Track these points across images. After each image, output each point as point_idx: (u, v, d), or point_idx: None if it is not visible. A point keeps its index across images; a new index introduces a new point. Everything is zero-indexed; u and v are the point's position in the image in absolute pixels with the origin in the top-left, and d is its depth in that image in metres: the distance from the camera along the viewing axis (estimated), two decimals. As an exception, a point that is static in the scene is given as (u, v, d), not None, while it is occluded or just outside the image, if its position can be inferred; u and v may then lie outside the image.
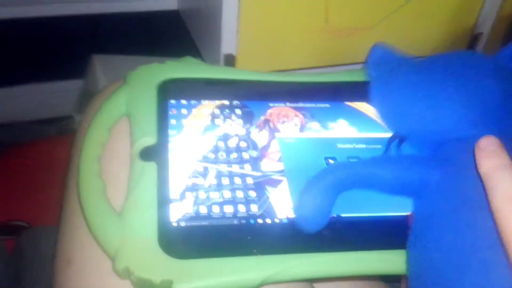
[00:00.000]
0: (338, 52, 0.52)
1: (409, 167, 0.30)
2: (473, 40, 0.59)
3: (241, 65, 0.49)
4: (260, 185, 0.35)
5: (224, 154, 0.36)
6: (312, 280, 0.37)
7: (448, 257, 0.25)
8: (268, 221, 0.32)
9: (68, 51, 0.91)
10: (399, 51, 0.36)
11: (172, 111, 0.38)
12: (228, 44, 0.46)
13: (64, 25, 0.85)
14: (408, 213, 0.31)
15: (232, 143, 0.37)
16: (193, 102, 0.39)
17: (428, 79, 0.32)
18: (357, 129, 0.39)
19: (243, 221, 0.32)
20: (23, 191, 0.66)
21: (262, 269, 0.30)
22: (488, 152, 0.24)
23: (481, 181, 0.25)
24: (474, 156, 0.25)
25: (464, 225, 0.25)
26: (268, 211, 0.33)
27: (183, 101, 0.39)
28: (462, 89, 0.30)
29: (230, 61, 0.49)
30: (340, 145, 0.38)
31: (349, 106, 0.41)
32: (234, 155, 0.36)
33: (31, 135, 0.98)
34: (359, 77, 0.41)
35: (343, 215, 0.32)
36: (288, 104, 0.41)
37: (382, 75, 0.35)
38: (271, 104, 0.40)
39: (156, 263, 0.29)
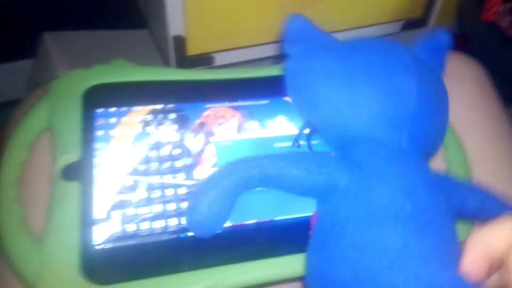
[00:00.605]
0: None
1: (317, 169, 0.27)
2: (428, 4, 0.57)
3: (192, 47, 0.47)
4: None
5: (156, 165, 0.34)
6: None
7: (353, 274, 0.23)
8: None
9: (17, 30, 0.86)
10: (317, 26, 0.33)
11: (99, 122, 0.36)
12: (175, 25, 0.44)
13: (12, 3, 0.80)
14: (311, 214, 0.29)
15: (165, 151, 0.35)
16: (122, 109, 0.37)
17: (346, 70, 0.29)
18: (296, 124, 0.37)
19: (173, 236, 0.31)
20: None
21: (193, 285, 0.29)
22: None
23: (391, 192, 0.25)
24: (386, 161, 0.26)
25: (372, 242, 0.24)
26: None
27: (112, 109, 0.37)
28: (380, 87, 0.28)
29: (180, 43, 0.46)
30: (277, 144, 0.36)
31: (288, 102, 0.39)
32: (166, 165, 0.34)
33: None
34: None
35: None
36: (225, 103, 0.39)
37: (298, 54, 0.32)
38: (207, 106, 0.39)
39: (77, 292, 0.27)
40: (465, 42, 0.92)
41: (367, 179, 0.27)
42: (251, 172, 0.26)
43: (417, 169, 0.28)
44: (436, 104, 0.30)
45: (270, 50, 0.50)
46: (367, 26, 0.54)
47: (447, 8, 0.60)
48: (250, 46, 0.50)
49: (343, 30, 0.53)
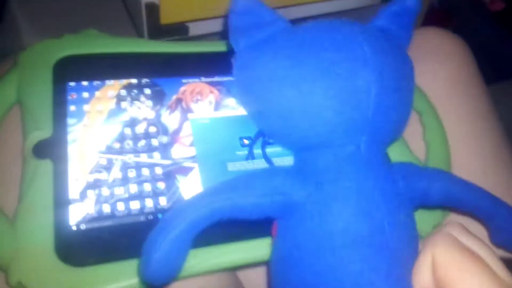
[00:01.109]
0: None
1: (271, 192, 0.26)
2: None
3: (166, 15, 0.45)
4: (170, 175, 0.33)
5: (131, 143, 0.34)
6: (234, 269, 0.37)
7: None
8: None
9: None
10: (266, 7, 0.28)
11: (71, 96, 0.34)
12: None
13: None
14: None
15: (140, 129, 0.35)
16: (96, 83, 0.36)
17: (297, 74, 0.26)
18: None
19: (150, 217, 0.31)
20: None
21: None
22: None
23: (347, 214, 0.24)
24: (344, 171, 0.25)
25: (328, 269, 0.24)
26: (177, 203, 0.32)
27: (84, 83, 0.35)
28: (334, 91, 0.26)
29: (153, 11, 0.45)
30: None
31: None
32: (142, 143, 0.34)
33: None
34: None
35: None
36: (203, 79, 0.38)
37: (245, 52, 0.28)
38: (184, 81, 0.38)
39: (53, 274, 0.27)
40: (447, 16, 0.92)
41: (324, 200, 0.26)
42: (202, 213, 0.24)
43: (376, 179, 0.26)
44: (398, 90, 0.27)
45: None
46: None
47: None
48: (224, 17, 0.49)
49: (322, 1, 0.52)
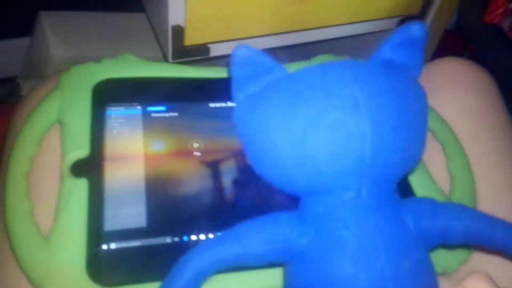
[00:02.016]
0: (297, 16, 0.50)
1: (273, 238, 0.26)
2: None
3: (190, 37, 0.47)
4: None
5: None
6: None
7: None
8: (203, 237, 0.32)
9: (15, 7, 0.85)
10: (265, 56, 0.28)
11: (109, 117, 0.36)
12: (175, 14, 0.43)
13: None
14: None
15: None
16: (134, 104, 0.37)
17: (292, 126, 0.25)
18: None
19: (177, 240, 0.32)
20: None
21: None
22: None
23: (347, 263, 0.24)
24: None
25: None
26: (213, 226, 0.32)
27: (122, 104, 0.37)
28: (329, 139, 0.25)
29: (178, 33, 0.46)
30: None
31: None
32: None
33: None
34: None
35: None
36: (229, 103, 0.39)
37: (244, 103, 0.28)
38: (211, 105, 0.39)
39: (83, 292, 0.28)
40: (463, 40, 0.92)
41: (323, 248, 0.25)
42: (207, 263, 0.26)
43: (378, 225, 0.26)
44: (402, 129, 0.26)
45: (266, 43, 0.50)
46: (363, 21, 0.53)
47: (446, 5, 0.59)
48: (246, 38, 0.50)
49: (338, 25, 0.53)
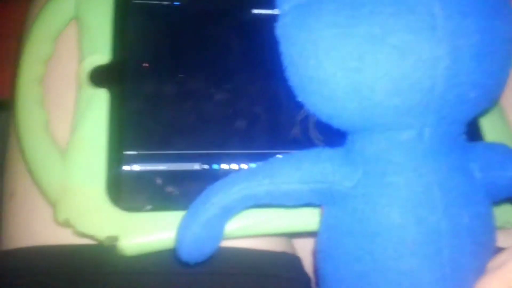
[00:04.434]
0: None
1: (312, 177, 0.23)
2: None
3: None
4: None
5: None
6: (290, 235, 0.34)
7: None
8: (235, 167, 0.29)
9: None
10: None
11: (135, 16, 0.31)
12: None
13: None
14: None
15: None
16: (164, 2, 0.31)
17: (347, 43, 0.20)
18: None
19: (206, 167, 0.28)
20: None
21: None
22: None
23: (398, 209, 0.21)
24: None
25: (367, 271, 0.22)
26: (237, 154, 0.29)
27: (151, 1, 0.31)
28: (393, 63, 0.20)
29: None
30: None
31: None
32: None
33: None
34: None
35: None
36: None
37: (289, 15, 0.22)
38: (255, 11, 0.33)
39: (102, 216, 0.26)
40: None
41: (370, 193, 0.22)
42: (233, 199, 0.23)
43: (439, 173, 0.22)
44: (487, 58, 0.21)
45: None
46: None
47: None
48: None
49: None
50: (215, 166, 0.28)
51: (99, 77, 0.28)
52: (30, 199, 0.28)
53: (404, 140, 0.22)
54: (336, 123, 0.24)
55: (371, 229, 0.22)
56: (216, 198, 0.23)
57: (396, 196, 0.22)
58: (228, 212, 0.23)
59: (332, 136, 0.24)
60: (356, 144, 0.24)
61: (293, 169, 0.23)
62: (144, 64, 0.29)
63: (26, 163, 0.27)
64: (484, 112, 0.25)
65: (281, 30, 0.23)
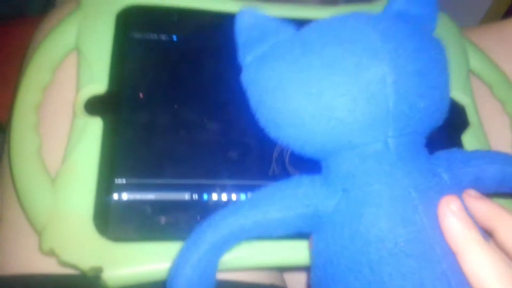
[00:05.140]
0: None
1: (297, 204, 0.23)
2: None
3: None
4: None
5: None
6: (281, 269, 0.34)
7: None
8: (224, 198, 0.28)
9: None
10: (271, 19, 0.26)
11: (133, 48, 0.31)
12: None
13: None
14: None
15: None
16: (162, 36, 0.32)
17: (303, 76, 0.23)
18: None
19: (195, 197, 0.28)
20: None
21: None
22: (460, 217, 0.21)
23: (379, 221, 0.22)
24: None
25: (367, 286, 0.21)
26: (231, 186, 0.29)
27: (147, 36, 0.32)
28: (346, 87, 0.22)
29: None
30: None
31: None
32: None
33: (11, 4, 0.90)
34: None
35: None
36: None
37: (251, 65, 0.26)
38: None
39: (87, 245, 0.25)
40: None
41: (353, 207, 0.23)
42: (222, 235, 0.23)
43: (411, 176, 0.23)
44: (424, 78, 0.24)
45: None
46: None
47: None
48: None
49: None
50: (204, 197, 0.28)
51: (94, 106, 0.29)
52: (18, 226, 0.28)
53: (373, 152, 0.24)
54: (308, 150, 0.25)
55: (362, 240, 0.22)
56: (206, 235, 0.23)
57: (379, 202, 0.22)
58: (220, 248, 0.23)
59: (307, 169, 0.25)
60: (331, 167, 0.25)
61: (276, 197, 0.24)
62: (138, 95, 0.30)
63: (15, 188, 0.27)
64: (437, 123, 0.26)
65: (247, 77, 0.26)
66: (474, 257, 0.20)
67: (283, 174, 0.31)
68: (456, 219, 0.21)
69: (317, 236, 0.24)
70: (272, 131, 0.25)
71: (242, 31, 0.26)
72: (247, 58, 0.26)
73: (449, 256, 0.21)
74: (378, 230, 0.22)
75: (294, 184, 0.25)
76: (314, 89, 0.23)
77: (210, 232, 0.23)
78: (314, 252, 0.25)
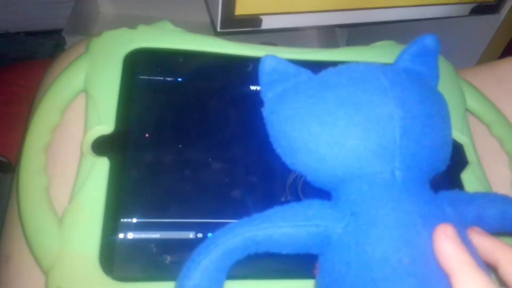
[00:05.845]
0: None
1: (306, 223, 0.25)
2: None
3: (242, 6, 0.43)
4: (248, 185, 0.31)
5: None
6: None
7: None
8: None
9: None
10: (291, 64, 0.29)
11: (140, 91, 0.33)
12: None
13: None
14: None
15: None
16: (168, 79, 0.34)
17: (319, 110, 0.26)
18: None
19: (200, 236, 0.29)
20: (6, 122, 0.62)
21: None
22: (454, 242, 0.22)
23: (386, 243, 0.23)
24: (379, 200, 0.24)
25: None
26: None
27: (154, 78, 0.33)
28: (357, 120, 0.25)
29: (229, 1, 0.43)
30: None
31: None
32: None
33: (24, 47, 0.93)
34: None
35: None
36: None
37: (271, 100, 0.29)
38: (252, 88, 0.35)
39: (93, 285, 0.26)
40: None
41: (360, 228, 0.24)
42: (234, 242, 0.24)
43: (417, 205, 0.25)
44: (428, 120, 0.27)
45: (323, 19, 0.46)
46: (434, 4, 0.49)
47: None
48: (302, 13, 0.46)
49: (409, 6, 0.48)
50: (209, 235, 0.29)
51: (101, 146, 0.30)
52: (25, 265, 0.28)
53: (381, 181, 0.25)
54: (321, 177, 0.27)
55: (368, 258, 0.23)
56: (220, 239, 0.24)
57: (386, 224, 0.24)
58: (231, 256, 0.24)
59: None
60: (340, 194, 0.27)
61: (289, 214, 0.25)
62: (144, 135, 0.31)
63: (23, 228, 0.27)
64: (440, 167, 0.28)
65: (268, 110, 0.29)
66: (466, 278, 0.21)
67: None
68: (450, 243, 0.22)
69: (324, 258, 0.25)
70: (289, 158, 0.28)
71: (265, 73, 0.30)
72: (269, 94, 0.30)
73: (447, 280, 0.22)
74: (384, 249, 0.23)
75: (306, 205, 0.26)
76: (329, 119, 0.26)
77: (222, 239, 0.24)
78: (319, 275, 0.25)
